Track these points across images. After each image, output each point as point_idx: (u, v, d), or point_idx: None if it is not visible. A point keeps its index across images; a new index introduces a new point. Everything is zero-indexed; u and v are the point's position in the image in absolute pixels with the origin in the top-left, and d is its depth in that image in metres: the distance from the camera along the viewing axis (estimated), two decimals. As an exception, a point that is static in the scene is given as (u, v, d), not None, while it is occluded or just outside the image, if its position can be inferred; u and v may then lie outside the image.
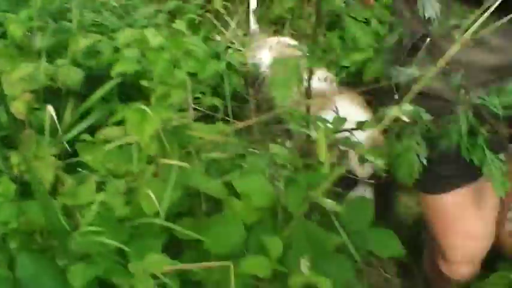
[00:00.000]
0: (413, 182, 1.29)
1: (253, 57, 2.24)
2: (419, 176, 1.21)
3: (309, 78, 1.42)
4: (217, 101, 1.74)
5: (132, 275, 1.24)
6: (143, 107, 1.19)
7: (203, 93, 1.83)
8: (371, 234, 1.34)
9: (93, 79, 1.66)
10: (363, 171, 1.87)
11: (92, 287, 1.30)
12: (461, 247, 1.39)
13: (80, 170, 1.45)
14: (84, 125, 1.50)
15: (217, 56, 2.01)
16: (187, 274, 1.29)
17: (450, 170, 1.14)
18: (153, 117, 1.18)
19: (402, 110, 1.11)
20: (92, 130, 1.46)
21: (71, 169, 1.49)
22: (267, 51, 2.19)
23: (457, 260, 1.41)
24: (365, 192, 1.90)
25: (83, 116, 1.55)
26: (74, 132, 1.48)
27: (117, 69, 1.55)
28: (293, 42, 2.18)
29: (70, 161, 1.48)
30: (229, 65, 2.05)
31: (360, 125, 1.33)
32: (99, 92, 1.53)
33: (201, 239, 1.26)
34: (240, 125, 1.45)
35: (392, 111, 1.11)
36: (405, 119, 1.14)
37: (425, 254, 1.71)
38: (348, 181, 1.84)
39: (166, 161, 1.20)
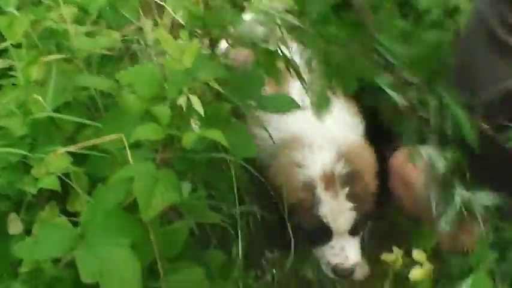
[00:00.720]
0: None
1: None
2: None
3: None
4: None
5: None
6: (11, 10, 1.20)
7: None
8: (265, 99, 1.38)
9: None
10: (339, 221, 1.50)
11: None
12: None
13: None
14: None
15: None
16: (92, 171, 1.31)
17: None
18: (22, 19, 1.20)
19: None
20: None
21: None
22: None
23: None
24: (345, 246, 1.52)
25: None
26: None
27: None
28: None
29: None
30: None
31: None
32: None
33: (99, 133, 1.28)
34: (126, 30, 1.46)
35: None
36: None
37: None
38: (322, 233, 1.53)
39: (47, 58, 1.20)
